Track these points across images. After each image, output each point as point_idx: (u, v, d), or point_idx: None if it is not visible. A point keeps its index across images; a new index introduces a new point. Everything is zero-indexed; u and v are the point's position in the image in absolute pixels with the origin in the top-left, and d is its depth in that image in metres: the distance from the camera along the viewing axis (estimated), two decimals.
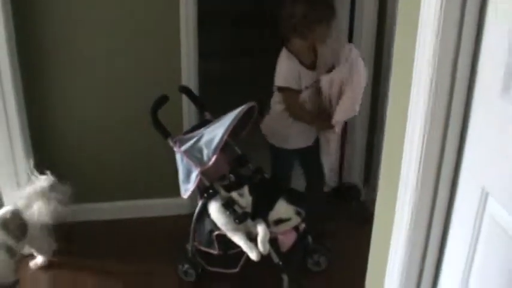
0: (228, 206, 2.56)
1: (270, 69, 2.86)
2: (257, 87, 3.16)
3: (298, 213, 2.66)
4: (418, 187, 1.60)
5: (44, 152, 3.11)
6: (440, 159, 1.54)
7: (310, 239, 2.88)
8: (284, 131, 2.93)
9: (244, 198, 2.58)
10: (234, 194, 2.58)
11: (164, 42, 3.06)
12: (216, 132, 2.51)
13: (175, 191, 2.70)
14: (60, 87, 3.09)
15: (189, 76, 3.10)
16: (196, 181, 2.56)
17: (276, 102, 2.90)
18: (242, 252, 2.58)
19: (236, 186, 2.60)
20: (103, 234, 3.29)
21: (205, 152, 2.52)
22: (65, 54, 3.03)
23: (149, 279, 2.92)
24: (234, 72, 5.40)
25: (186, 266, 2.85)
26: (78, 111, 3.17)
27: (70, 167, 3.23)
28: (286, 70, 2.80)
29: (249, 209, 2.57)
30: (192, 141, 2.57)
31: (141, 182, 3.39)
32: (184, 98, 3.02)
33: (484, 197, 1.42)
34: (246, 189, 2.60)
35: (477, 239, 1.48)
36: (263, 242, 2.50)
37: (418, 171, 1.58)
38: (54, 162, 3.17)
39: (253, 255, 2.51)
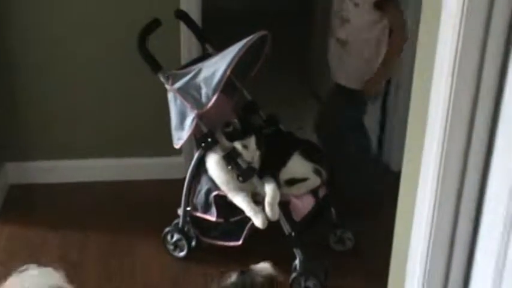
0: (230, 159, 2.36)
1: None
2: None
3: (317, 173, 2.45)
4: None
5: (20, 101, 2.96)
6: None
7: (333, 210, 2.63)
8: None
9: (249, 151, 2.37)
10: (238, 145, 2.35)
11: None
12: (217, 66, 2.28)
13: (168, 148, 2.52)
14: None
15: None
16: (192, 127, 2.36)
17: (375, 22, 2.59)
18: (247, 219, 2.38)
19: (241, 135, 2.37)
20: (81, 197, 3.04)
21: (203, 90, 2.31)
22: None
23: (129, 252, 2.65)
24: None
25: (177, 236, 2.59)
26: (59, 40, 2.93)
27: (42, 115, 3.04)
28: None
29: (256, 165, 2.38)
30: (187, 77, 2.34)
31: (126, 137, 3.13)
32: (183, 27, 2.79)
33: None
34: (252, 140, 2.37)
35: None
36: (271, 205, 2.32)
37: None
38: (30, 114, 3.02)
39: (258, 221, 2.32)
